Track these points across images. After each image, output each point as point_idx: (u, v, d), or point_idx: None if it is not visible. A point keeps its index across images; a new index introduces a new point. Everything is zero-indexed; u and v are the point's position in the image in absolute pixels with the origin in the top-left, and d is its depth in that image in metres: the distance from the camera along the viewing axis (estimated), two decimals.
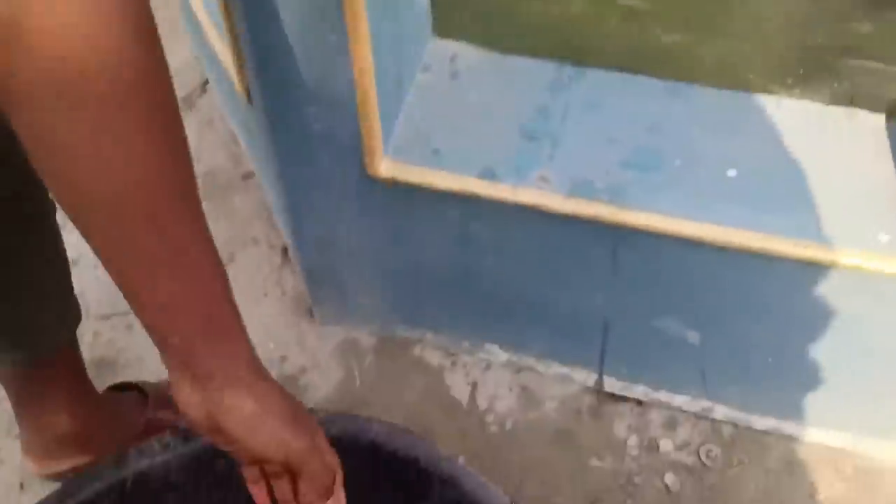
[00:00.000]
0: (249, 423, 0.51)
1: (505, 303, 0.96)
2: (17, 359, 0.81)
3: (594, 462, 1.00)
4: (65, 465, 0.91)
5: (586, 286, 0.89)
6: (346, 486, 0.71)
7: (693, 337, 0.91)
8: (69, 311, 0.82)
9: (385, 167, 0.82)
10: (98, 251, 0.45)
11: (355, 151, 0.81)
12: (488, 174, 0.82)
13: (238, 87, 0.90)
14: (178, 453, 0.67)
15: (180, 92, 1.33)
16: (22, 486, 0.96)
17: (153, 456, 0.67)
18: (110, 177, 0.41)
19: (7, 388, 0.87)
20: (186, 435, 0.68)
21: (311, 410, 0.71)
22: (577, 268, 0.87)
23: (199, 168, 1.24)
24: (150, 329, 0.49)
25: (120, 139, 0.40)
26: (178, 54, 1.36)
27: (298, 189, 0.90)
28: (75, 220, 0.44)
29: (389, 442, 0.69)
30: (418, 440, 0.69)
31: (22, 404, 0.89)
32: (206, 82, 1.35)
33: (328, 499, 0.59)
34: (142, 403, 0.96)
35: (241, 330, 0.51)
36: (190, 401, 0.51)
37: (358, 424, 0.70)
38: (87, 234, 0.44)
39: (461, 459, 0.69)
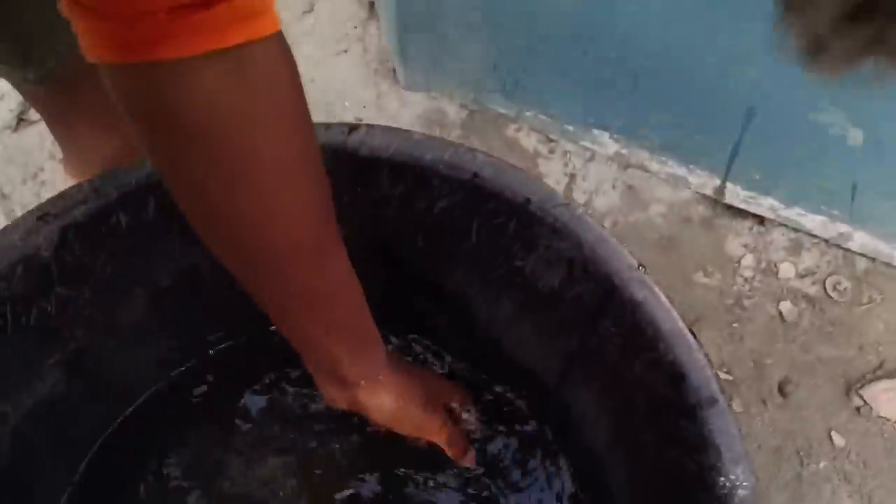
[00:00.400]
0: (391, 415, 0.58)
1: (628, 73, 0.80)
2: (30, 77, 0.70)
3: (700, 277, 0.87)
4: None
5: (740, 53, 0.73)
6: (441, 224, 0.59)
7: (855, 138, 0.75)
8: None
9: None
10: (266, 301, 0.49)
11: None
12: None
13: None
14: None
15: None
16: None
17: None
18: (285, 229, 0.44)
19: (37, 109, 0.78)
20: None
21: (392, 129, 0.58)
22: (733, 24, 0.70)
23: None
24: (305, 350, 0.54)
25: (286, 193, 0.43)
26: None
27: None
28: (245, 279, 0.47)
29: (495, 178, 0.56)
30: (531, 179, 0.56)
31: (54, 124, 0.80)
32: None
33: (466, 454, 0.64)
34: None
35: (377, 333, 0.56)
36: (338, 399, 0.58)
37: (459, 154, 0.57)
38: (255, 289, 0.48)
39: (580, 209, 0.56)
